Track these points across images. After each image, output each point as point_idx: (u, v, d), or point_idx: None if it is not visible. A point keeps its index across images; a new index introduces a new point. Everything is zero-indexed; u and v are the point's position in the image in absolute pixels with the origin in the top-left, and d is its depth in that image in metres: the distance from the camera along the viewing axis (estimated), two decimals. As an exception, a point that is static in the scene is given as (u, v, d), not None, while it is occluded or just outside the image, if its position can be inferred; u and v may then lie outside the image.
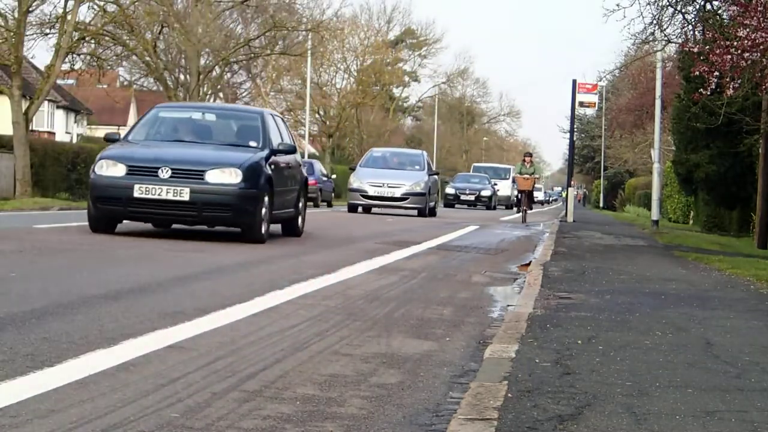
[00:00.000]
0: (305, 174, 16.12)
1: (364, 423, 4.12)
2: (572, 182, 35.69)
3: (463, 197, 47.83)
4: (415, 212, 29.26)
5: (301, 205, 15.34)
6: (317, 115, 65.58)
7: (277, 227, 14.89)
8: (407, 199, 28.75)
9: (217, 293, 7.73)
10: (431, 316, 7.35)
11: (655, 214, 30.13)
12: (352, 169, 31.08)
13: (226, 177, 12.81)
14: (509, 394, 4.47)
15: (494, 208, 47.15)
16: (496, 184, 50.49)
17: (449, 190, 49.27)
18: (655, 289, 9.59)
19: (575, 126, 39.53)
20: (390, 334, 6.41)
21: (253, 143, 14.02)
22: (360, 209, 29.84)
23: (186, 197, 12.64)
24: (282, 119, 15.99)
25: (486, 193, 47.97)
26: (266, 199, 13.15)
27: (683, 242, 20.38)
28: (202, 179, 12.73)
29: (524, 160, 29.73)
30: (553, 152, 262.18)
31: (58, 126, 58.88)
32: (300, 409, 4.28)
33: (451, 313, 7.62)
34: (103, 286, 7.72)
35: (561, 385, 4.75)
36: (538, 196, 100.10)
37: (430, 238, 17.24)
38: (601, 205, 75.97)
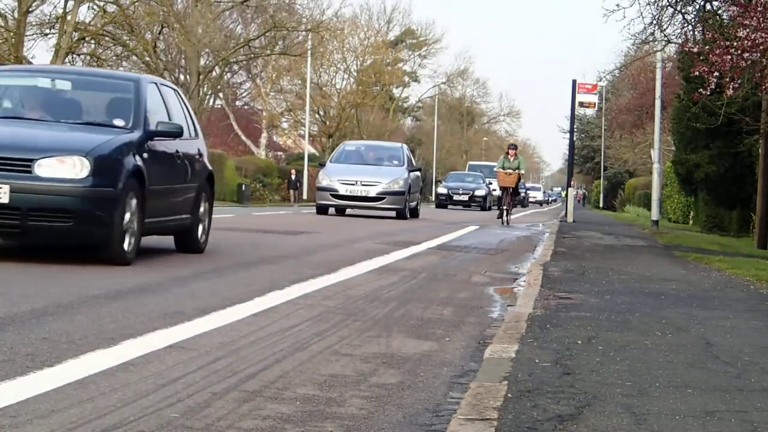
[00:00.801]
0: (209, 167, 12.22)
1: (364, 423, 4.12)
2: (572, 182, 35.69)
3: (456, 197, 45.52)
4: (394, 213, 26.25)
5: (202, 209, 11.49)
6: (317, 115, 65.59)
7: (167, 240, 11.64)
8: (383, 198, 25.59)
9: (217, 293, 7.73)
10: (431, 316, 7.35)
11: (655, 214, 30.13)
12: (322, 165, 28.02)
13: (66, 169, 9.02)
14: (509, 394, 4.47)
15: (489, 209, 44.03)
16: (491, 184, 46.83)
17: (441, 189, 47.04)
18: (655, 289, 9.59)
19: (575, 126, 39.54)
20: (390, 334, 6.42)
21: (119, 122, 10.19)
22: (331, 210, 26.83)
23: (4, 199, 8.88)
24: (178, 93, 12.01)
25: (480, 192, 45.69)
26: (133, 201, 9.49)
27: (683, 242, 20.38)
28: (30, 172, 8.96)
29: (507, 153, 26.05)
30: (553, 152, 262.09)
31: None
32: (300, 409, 4.28)
33: (451, 313, 7.62)
34: (103, 286, 7.72)
35: (561, 385, 4.75)
36: (537, 196, 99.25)
37: (430, 238, 17.25)
38: (601, 205, 76.01)
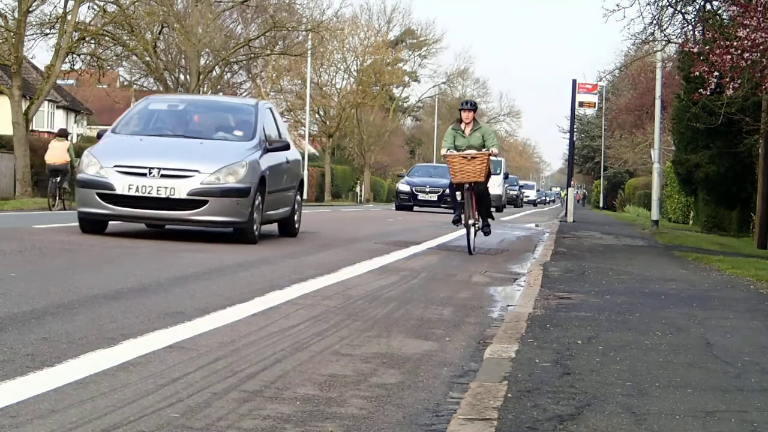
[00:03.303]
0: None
1: (364, 423, 4.12)
2: (572, 182, 35.68)
3: (421, 196, 36.73)
4: (230, 230, 13.72)
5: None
6: (317, 115, 65.59)
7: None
8: (201, 204, 12.81)
9: (217, 293, 7.73)
10: (431, 316, 7.35)
11: (655, 214, 30.13)
12: (100, 137, 14.38)
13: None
14: (509, 394, 4.47)
15: None
16: None
17: (403, 186, 37.76)
18: (655, 289, 9.59)
19: (575, 126, 39.55)
20: (390, 334, 6.41)
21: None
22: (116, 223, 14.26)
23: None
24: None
25: None
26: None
27: (683, 242, 20.38)
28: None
29: (459, 121, 14.49)
30: (553, 152, 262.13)
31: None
32: (300, 409, 4.28)
33: (451, 313, 7.62)
34: (103, 286, 7.72)
35: (561, 385, 4.75)
36: (529, 195, 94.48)
37: (430, 238, 17.25)
38: (601, 205, 75.98)
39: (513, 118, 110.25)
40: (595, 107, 41.35)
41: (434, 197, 36.29)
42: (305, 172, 54.01)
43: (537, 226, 27.52)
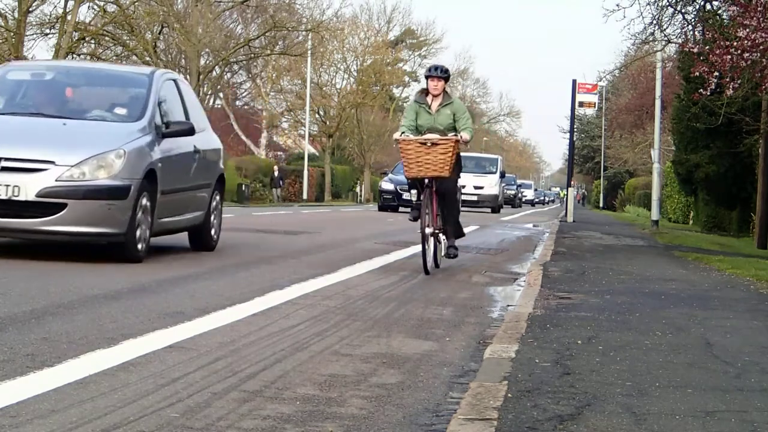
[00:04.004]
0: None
1: (364, 423, 4.12)
2: (572, 182, 35.67)
3: (407, 196, 28.08)
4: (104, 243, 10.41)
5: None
6: (317, 115, 65.56)
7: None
8: (58, 208, 9.42)
9: (217, 293, 7.73)
10: (431, 316, 7.35)
11: (655, 214, 30.13)
12: None
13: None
14: (509, 394, 4.47)
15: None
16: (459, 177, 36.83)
17: (386, 185, 34.09)
18: (655, 289, 9.59)
19: (575, 126, 39.55)
20: (390, 334, 6.41)
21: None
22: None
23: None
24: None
25: None
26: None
27: (683, 242, 20.38)
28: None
29: (426, 92, 11.16)
30: (553, 152, 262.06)
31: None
32: (300, 409, 4.28)
33: (451, 313, 7.62)
34: (103, 286, 7.72)
35: (561, 385, 4.75)
36: (527, 195, 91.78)
37: (430, 238, 17.24)
38: (600, 205, 75.99)
39: (513, 118, 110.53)
40: (595, 107, 41.35)
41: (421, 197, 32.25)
42: (305, 172, 54.07)
43: (535, 226, 27.51)
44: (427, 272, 10.45)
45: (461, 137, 10.64)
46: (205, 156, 11.59)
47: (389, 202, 33.51)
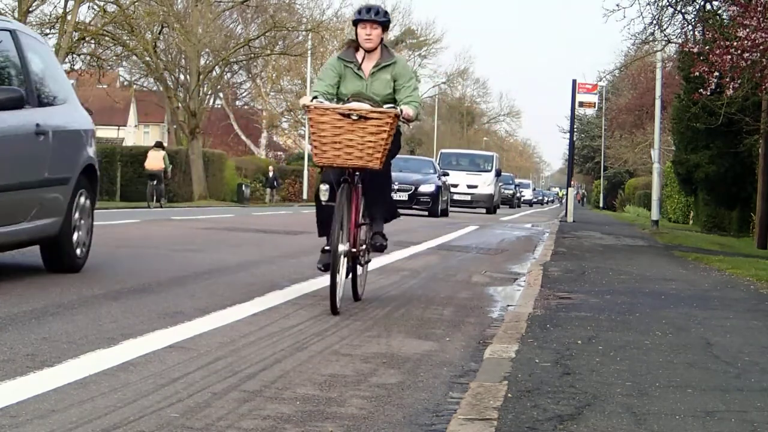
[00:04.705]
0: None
1: (364, 423, 4.12)
2: (572, 182, 35.67)
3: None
4: None
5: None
6: (317, 115, 65.42)
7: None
8: None
9: (217, 293, 7.73)
10: (431, 316, 7.35)
11: (655, 214, 30.13)
12: None
13: None
14: (509, 394, 4.47)
15: (444, 213, 31.10)
16: (446, 175, 33.14)
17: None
18: (655, 289, 9.59)
19: (575, 126, 39.54)
20: (390, 334, 6.41)
21: None
22: None
23: None
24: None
25: (427, 188, 30.48)
26: None
27: (683, 242, 20.38)
28: None
29: (355, 46, 7.73)
30: (553, 152, 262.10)
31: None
32: (300, 409, 4.28)
33: (451, 313, 7.62)
34: (103, 286, 7.72)
35: (561, 385, 4.75)
36: (525, 194, 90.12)
37: (430, 238, 17.25)
38: (600, 205, 75.98)
39: (513, 118, 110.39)
40: (595, 107, 41.35)
41: (404, 196, 29.78)
42: (305, 172, 53.97)
43: (534, 226, 27.50)
44: (335, 311, 6.95)
45: (404, 112, 7.44)
46: (58, 139, 8.28)
47: None
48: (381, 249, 7.88)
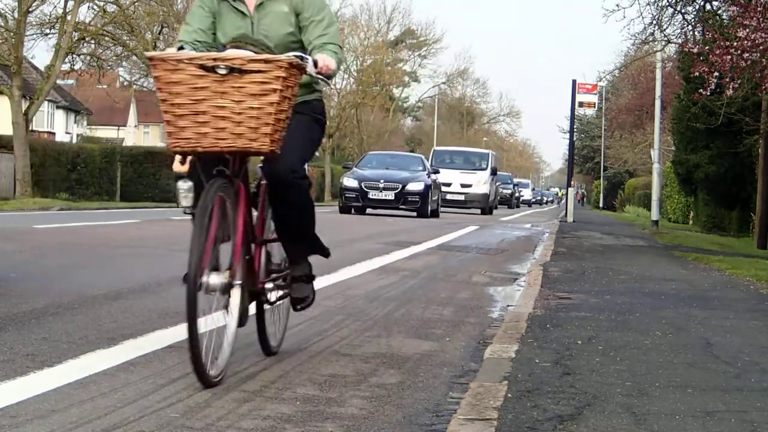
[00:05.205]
0: None
1: (364, 423, 4.12)
2: (572, 182, 35.67)
3: (373, 194, 28.52)
4: None
5: None
6: (317, 115, 65.47)
7: None
8: None
9: (217, 293, 7.71)
10: (431, 316, 7.35)
11: (654, 214, 30.13)
12: None
13: None
14: (509, 394, 4.47)
15: (435, 214, 29.49)
16: (436, 172, 31.43)
17: (348, 182, 29.03)
18: (654, 289, 9.59)
19: (575, 126, 39.52)
20: (390, 334, 6.41)
21: None
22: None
23: None
24: None
25: (415, 187, 28.48)
26: None
27: (683, 242, 20.38)
28: None
29: None
30: (553, 152, 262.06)
31: (58, 126, 58.90)
32: (300, 409, 4.27)
33: (451, 313, 7.61)
34: (103, 286, 7.72)
35: (561, 385, 4.75)
36: (524, 194, 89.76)
37: (430, 238, 17.24)
38: (600, 205, 75.98)
39: (513, 118, 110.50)
40: (595, 107, 41.38)
41: (390, 195, 28.25)
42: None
43: (533, 226, 27.50)
44: (204, 379, 4.42)
45: (320, 64, 4.90)
46: None
47: (352, 202, 28.71)
48: (305, 304, 5.37)
